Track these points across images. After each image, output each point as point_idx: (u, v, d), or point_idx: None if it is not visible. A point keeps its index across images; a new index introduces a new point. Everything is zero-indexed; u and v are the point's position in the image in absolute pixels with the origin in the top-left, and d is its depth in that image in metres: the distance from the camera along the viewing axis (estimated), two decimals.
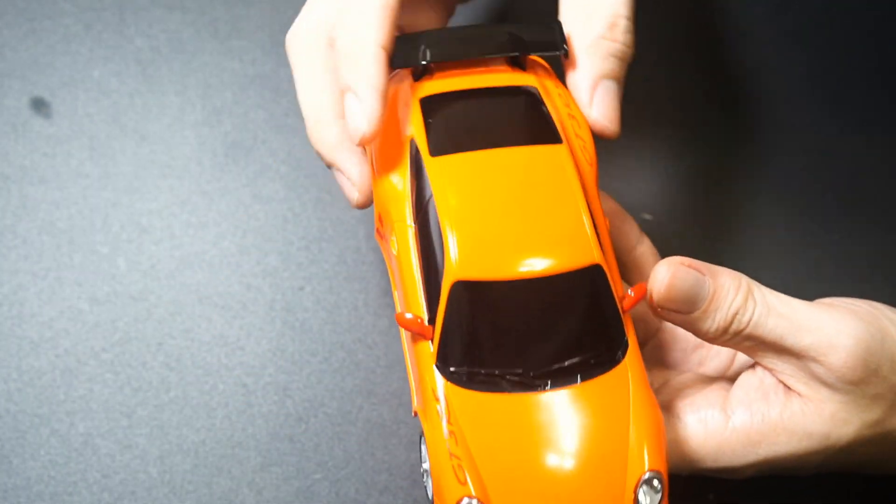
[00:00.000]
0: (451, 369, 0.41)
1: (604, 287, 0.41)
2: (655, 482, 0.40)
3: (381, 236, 0.47)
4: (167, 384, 0.54)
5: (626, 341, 0.42)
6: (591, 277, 0.41)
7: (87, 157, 0.58)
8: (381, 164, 0.45)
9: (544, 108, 0.45)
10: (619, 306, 0.42)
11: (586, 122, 0.47)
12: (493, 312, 0.41)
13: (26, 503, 0.51)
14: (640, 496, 0.40)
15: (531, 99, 0.45)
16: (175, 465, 0.52)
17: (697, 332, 0.43)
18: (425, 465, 0.42)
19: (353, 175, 0.46)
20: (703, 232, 0.58)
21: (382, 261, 0.56)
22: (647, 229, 0.58)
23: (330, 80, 0.46)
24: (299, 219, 0.57)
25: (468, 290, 0.41)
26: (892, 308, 0.45)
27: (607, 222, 0.45)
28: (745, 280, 0.43)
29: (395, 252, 0.44)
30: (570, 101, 0.47)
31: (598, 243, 0.42)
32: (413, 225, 0.43)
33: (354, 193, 0.46)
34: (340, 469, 0.52)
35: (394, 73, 0.46)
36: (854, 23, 0.64)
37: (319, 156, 0.47)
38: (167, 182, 0.57)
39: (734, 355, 0.48)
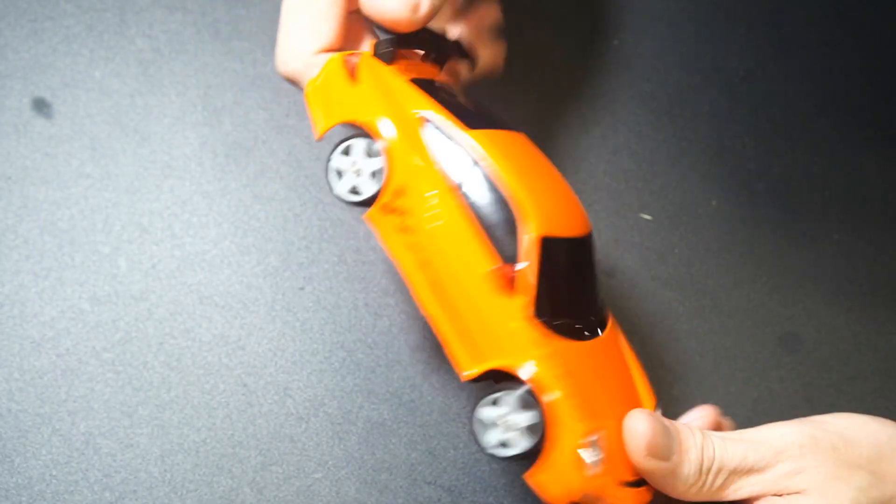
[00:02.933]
0: (549, 320, 0.43)
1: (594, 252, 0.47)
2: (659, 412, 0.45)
3: (392, 211, 0.46)
4: (168, 384, 0.54)
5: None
6: (593, 242, 0.47)
7: (89, 157, 0.58)
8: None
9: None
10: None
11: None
12: (565, 267, 0.45)
13: (28, 502, 0.51)
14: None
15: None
16: (176, 465, 0.52)
17: (677, 483, 0.44)
18: (507, 418, 0.43)
19: None
20: (702, 232, 0.58)
21: (382, 261, 0.56)
22: (648, 229, 0.58)
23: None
24: (299, 219, 0.57)
25: (550, 246, 0.44)
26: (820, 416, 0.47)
27: None
28: (690, 424, 0.46)
29: (430, 223, 0.44)
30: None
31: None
32: (457, 189, 0.44)
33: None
34: (341, 468, 0.53)
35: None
36: (854, 23, 0.64)
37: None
38: (168, 182, 0.57)
39: None
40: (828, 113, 0.61)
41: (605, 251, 0.58)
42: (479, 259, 0.43)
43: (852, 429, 0.45)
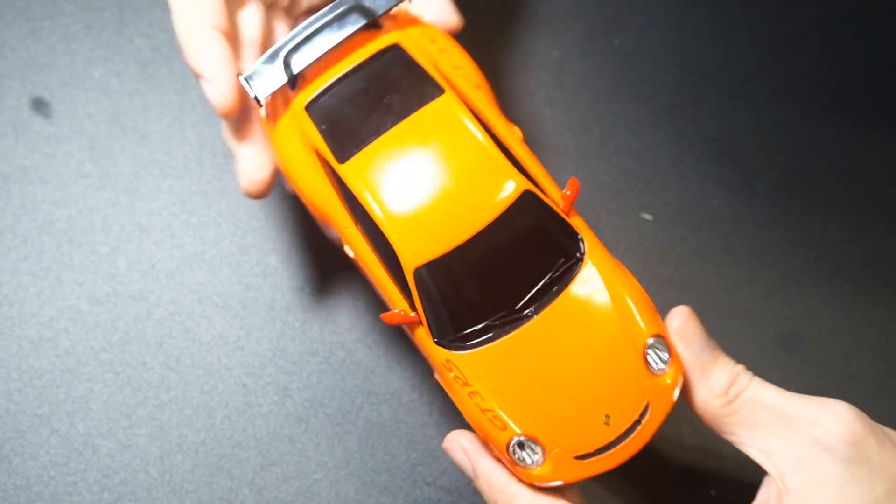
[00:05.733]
0: (449, 340, 0.44)
1: (540, 205, 0.44)
2: (659, 344, 0.44)
3: (333, 240, 0.48)
4: (167, 384, 0.54)
5: (580, 238, 0.45)
6: (525, 204, 0.44)
7: (87, 156, 0.58)
8: (303, 177, 0.46)
9: (414, 61, 0.46)
10: (561, 212, 0.44)
11: (458, 47, 0.48)
12: (460, 276, 0.43)
13: (26, 503, 0.51)
14: (650, 360, 0.43)
15: (399, 56, 0.46)
16: (175, 465, 0.52)
17: (702, 386, 0.44)
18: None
19: (218, 82, 0.46)
20: (702, 232, 0.58)
21: None
22: (647, 229, 0.58)
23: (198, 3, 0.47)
24: (299, 219, 0.57)
25: (430, 271, 0.43)
26: None
27: (517, 130, 0.46)
28: None
29: (352, 255, 0.46)
30: (436, 35, 0.48)
31: (517, 170, 0.44)
32: (357, 227, 0.45)
33: (218, 99, 0.46)
34: (340, 469, 0.53)
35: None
36: (854, 23, 0.64)
37: (192, 71, 0.48)
38: (167, 182, 0.57)
39: None
40: (828, 113, 0.62)
41: None
42: (394, 294, 0.45)
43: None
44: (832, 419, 0.42)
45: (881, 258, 0.59)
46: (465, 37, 0.62)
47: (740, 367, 0.44)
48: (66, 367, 0.54)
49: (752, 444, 0.43)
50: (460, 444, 0.45)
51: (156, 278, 0.55)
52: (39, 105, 0.58)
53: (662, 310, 0.57)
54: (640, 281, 0.57)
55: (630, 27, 0.63)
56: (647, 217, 0.59)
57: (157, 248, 0.56)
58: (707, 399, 0.43)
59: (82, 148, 0.58)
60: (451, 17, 0.50)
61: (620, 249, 0.58)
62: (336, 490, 0.52)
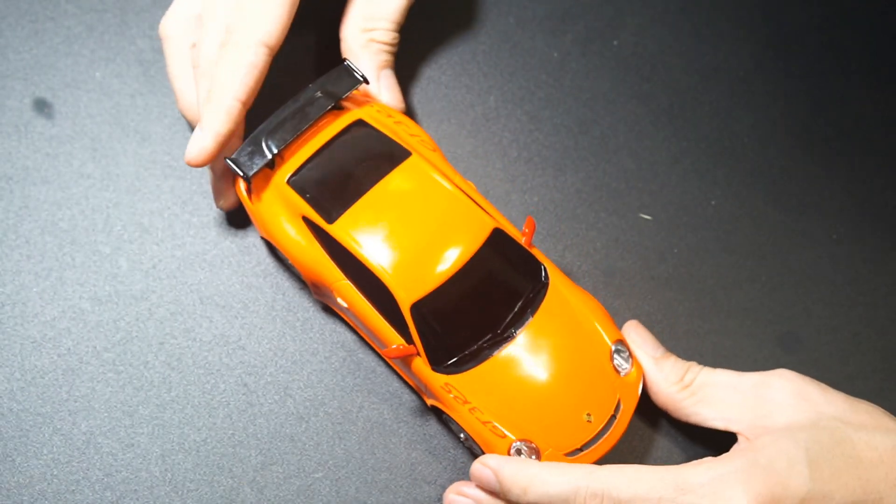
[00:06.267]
0: (445, 365, 0.50)
1: (507, 240, 0.51)
2: (621, 349, 0.51)
3: (322, 295, 0.54)
4: (169, 383, 0.54)
5: (542, 266, 0.52)
6: (497, 239, 0.51)
7: (89, 157, 0.58)
8: (292, 243, 0.52)
9: (379, 131, 0.53)
10: (524, 245, 0.52)
11: (410, 120, 0.55)
12: (450, 307, 0.50)
13: (29, 501, 0.51)
14: (617, 363, 0.51)
15: (364, 129, 0.53)
16: (177, 464, 0.52)
17: (660, 378, 0.51)
18: (462, 435, 0.51)
19: (205, 136, 0.52)
20: (701, 232, 0.58)
21: None
22: (648, 229, 0.58)
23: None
24: None
25: (424, 305, 0.49)
26: None
27: (471, 183, 0.54)
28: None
29: (345, 306, 0.51)
30: (390, 111, 0.55)
31: (485, 211, 0.51)
32: (348, 280, 0.51)
33: (193, 151, 0.52)
34: (341, 468, 0.53)
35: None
36: (854, 23, 0.64)
37: (184, 118, 0.55)
38: (168, 182, 0.58)
39: None
40: (827, 113, 0.62)
41: (605, 251, 0.58)
42: (389, 333, 0.50)
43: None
44: (775, 379, 0.49)
45: (879, 258, 0.59)
46: (465, 37, 0.62)
47: (692, 362, 0.51)
48: (69, 366, 0.54)
49: (715, 417, 0.49)
50: (459, 491, 0.50)
51: (157, 278, 0.56)
52: (42, 106, 0.59)
53: (663, 310, 0.57)
54: (639, 280, 0.57)
55: (629, 27, 0.63)
56: (647, 217, 0.59)
57: (159, 248, 0.56)
58: (665, 387, 0.51)
59: (84, 148, 0.58)
60: (399, 104, 0.56)
61: (620, 249, 0.58)
62: (336, 489, 0.52)
